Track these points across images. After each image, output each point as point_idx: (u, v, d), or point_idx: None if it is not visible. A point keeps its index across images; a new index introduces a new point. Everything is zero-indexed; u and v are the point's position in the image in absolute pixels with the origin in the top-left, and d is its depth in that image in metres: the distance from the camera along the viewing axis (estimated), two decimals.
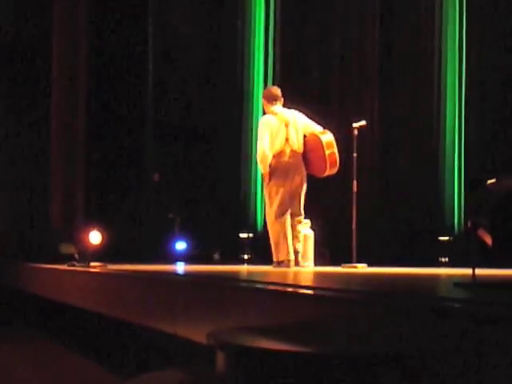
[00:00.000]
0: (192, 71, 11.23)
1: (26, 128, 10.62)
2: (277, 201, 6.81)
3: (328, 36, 10.43)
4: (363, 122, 7.22)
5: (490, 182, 3.45)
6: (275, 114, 6.89)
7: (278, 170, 6.80)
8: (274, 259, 6.81)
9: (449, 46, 9.27)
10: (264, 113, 7.11)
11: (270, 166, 6.76)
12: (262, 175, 7.03)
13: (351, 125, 7.23)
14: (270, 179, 6.81)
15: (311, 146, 6.87)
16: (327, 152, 6.72)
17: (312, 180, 10.00)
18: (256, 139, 7.08)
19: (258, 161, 6.83)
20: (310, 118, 7.05)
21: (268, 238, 7.04)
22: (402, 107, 9.69)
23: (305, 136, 6.93)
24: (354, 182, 7.08)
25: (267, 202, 6.93)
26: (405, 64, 9.71)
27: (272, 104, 6.92)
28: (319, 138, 6.81)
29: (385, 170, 9.69)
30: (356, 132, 7.16)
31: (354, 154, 7.09)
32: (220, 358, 2.13)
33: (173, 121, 11.13)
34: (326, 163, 6.76)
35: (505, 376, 1.76)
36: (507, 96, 8.37)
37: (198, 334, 3.30)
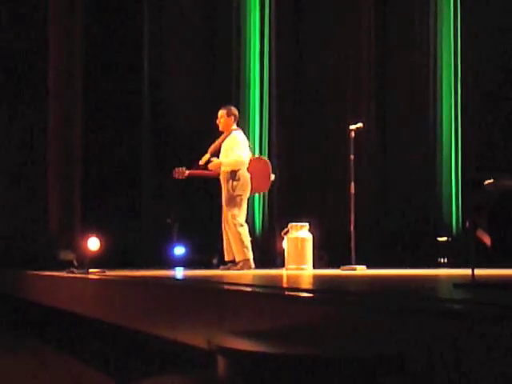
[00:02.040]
0: (188, 77, 11.22)
1: (22, 135, 10.61)
2: (242, 208, 7.44)
3: (324, 39, 10.44)
4: (360, 124, 7.24)
5: (487, 182, 3.45)
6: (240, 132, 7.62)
7: (244, 180, 7.42)
8: (237, 259, 7.32)
9: (444, 45, 9.28)
10: (224, 128, 7.57)
11: (238, 175, 7.36)
12: (224, 171, 7.44)
13: (348, 127, 7.25)
14: (236, 187, 7.38)
15: (256, 165, 7.61)
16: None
17: (310, 183, 10.01)
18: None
19: (233, 161, 7.36)
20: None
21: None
22: (399, 109, 9.70)
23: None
24: (352, 184, 7.10)
25: (235, 208, 7.38)
26: (401, 65, 9.73)
27: (235, 123, 7.60)
28: (266, 160, 7.81)
29: (382, 172, 9.69)
30: (353, 134, 7.18)
31: (352, 156, 7.11)
32: (220, 363, 2.13)
33: (171, 125, 11.12)
34: (268, 182, 7.63)
35: (505, 376, 1.76)
36: (504, 95, 8.37)
37: (198, 338, 3.30)
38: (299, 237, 7.34)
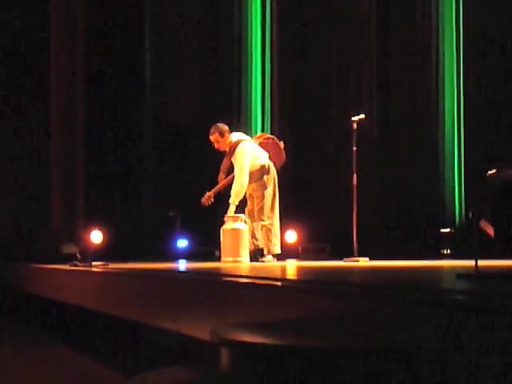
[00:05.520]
0: (190, 70, 11.21)
1: (25, 128, 10.61)
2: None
3: (327, 33, 10.42)
4: (362, 116, 7.21)
5: (490, 172, 3.44)
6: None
7: (268, 178, 7.54)
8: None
9: (446, 36, 9.27)
10: (223, 148, 7.49)
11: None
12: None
13: (350, 118, 7.23)
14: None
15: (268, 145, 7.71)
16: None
17: (311, 175, 9.99)
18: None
19: (240, 189, 7.34)
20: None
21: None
22: (401, 100, 9.69)
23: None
24: (354, 176, 7.08)
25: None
26: (403, 56, 9.72)
27: (230, 134, 7.50)
28: (271, 136, 7.87)
29: (384, 163, 9.69)
30: (355, 125, 7.15)
31: (354, 148, 7.08)
32: (223, 355, 2.13)
33: (172, 118, 11.11)
34: (283, 153, 7.71)
35: (508, 368, 1.76)
36: (506, 85, 8.36)
37: (201, 331, 3.30)
38: (235, 228, 7.19)
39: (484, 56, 8.68)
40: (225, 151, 7.49)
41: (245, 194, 7.52)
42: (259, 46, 11.03)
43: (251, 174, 7.43)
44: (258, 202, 7.43)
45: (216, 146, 7.46)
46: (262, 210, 7.42)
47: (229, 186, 7.44)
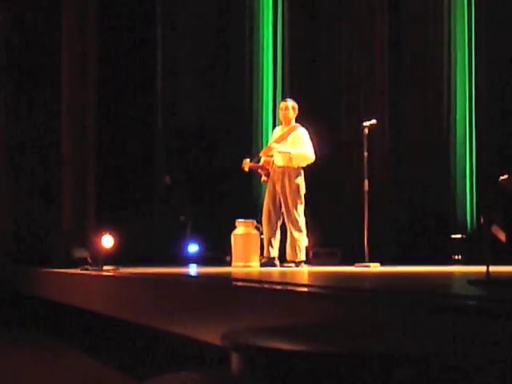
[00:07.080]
0: (201, 74, 11.23)
1: (36, 131, 10.65)
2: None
3: (337, 35, 10.41)
4: (373, 121, 7.21)
5: (502, 178, 3.44)
6: None
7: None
8: (299, 258, 7.11)
9: (458, 41, 9.26)
10: (286, 120, 7.46)
11: (302, 172, 7.24)
12: (291, 168, 7.26)
13: (362, 124, 7.23)
14: (302, 185, 7.25)
15: None
16: None
17: (323, 180, 9.96)
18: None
19: (302, 155, 7.21)
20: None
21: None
22: (412, 105, 9.67)
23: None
24: (366, 181, 7.07)
25: (302, 207, 7.18)
26: (414, 61, 9.70)
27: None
28: None
29: (396, 169, 9.67)
30: (366, 131, 7.15)
31: (365, 153, 7.08)
32: (234, 359, 2.13)
33: (183, 123, 11.13)
34: None
35: None
36: None
37: (211, 335, 3.30)
38: (246, 233, 7.15)
39: (496, 62, 8.66)
40: (283, 123, 7.47)
41: (273, 197, 7.27)
42: (271, 53, 11.03)
43: (300, 168, 7.29)
44: (290, 206, 7.13)
45: (286, 112, 7.39)
46: (292, 216, 7.12)
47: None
